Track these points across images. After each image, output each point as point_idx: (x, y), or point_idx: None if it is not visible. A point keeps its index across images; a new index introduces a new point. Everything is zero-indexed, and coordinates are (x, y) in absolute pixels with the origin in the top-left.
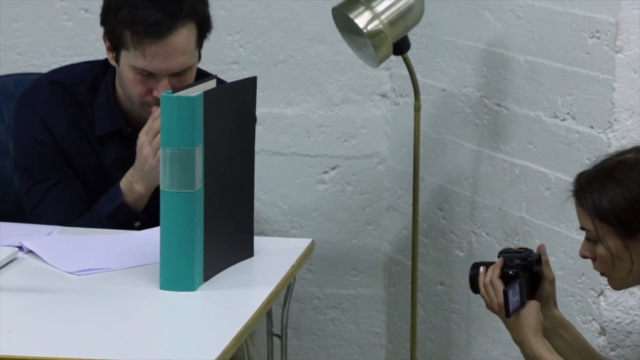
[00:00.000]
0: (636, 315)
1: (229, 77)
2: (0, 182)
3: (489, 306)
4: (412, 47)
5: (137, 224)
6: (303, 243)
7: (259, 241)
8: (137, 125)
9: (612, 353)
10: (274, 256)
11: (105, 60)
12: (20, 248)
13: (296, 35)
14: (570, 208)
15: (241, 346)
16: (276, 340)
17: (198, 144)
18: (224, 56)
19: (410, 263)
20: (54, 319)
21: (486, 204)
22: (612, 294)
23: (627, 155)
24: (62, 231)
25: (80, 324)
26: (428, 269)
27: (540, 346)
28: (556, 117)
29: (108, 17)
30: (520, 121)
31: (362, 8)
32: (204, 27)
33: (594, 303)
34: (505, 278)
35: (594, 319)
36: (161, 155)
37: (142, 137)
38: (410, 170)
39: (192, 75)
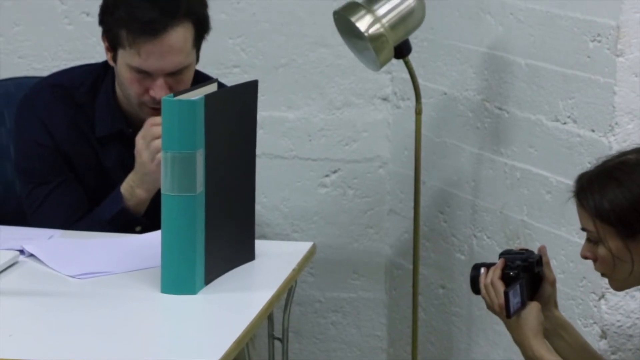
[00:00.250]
0: (637, 318)
1: (230, 80)
2: (2, 185)
3: (490, 307)
4: (414, 51)
5: (138, 228)
6: (304, 246)
7: (260, 244)
8: (137, 126)
9: (613, 356)
10: (275, 259)
11: (105, 62)
12: (22, 252)
13: (297, 39)
14: (572, 211)
15: (242, 350)
16: (277, 343)
17: (199, 148)
18: (225, 60)
19: (411, 266)
20: (55, 322)
21: (487, 207)
22: (613, 298)
23: (628, 156)
24: (63, 235)
25: (81, 327)
26: (429, 272)
27: (541, 347)
28: (557, 120)
29: (106, 17)
30: (521, 125)
31: (363, 12)
32: (201, 27)
33: (595, 306)
34: (506, 279)
35: (595, 323)
36: (162, 159)
37: (140, 142)
38: (412, 173)
39: (189, 75)
